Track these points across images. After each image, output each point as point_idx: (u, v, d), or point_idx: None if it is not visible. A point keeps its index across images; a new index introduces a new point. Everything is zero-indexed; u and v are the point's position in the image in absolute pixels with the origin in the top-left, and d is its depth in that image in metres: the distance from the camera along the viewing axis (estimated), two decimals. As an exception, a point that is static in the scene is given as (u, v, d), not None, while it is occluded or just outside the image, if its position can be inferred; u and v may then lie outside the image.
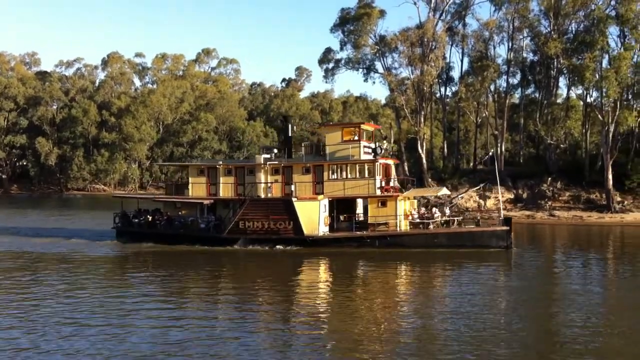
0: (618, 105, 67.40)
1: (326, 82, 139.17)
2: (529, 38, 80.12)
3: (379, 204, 43.34)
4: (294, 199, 42.92)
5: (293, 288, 31.35)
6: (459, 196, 60.21)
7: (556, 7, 73.19)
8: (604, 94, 67.43)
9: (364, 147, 44.74)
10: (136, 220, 47.78)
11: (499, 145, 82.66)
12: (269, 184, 44.76)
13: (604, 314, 25.06)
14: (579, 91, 75.74)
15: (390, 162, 47.75)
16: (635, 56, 68.57)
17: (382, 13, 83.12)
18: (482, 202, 69.86)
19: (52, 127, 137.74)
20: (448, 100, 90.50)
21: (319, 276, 35.76)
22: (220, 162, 47.36)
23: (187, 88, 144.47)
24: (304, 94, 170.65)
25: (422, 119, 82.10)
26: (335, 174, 44.34)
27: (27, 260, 39.19)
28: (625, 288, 30.57)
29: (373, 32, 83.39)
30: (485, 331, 21.93)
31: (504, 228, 41.95)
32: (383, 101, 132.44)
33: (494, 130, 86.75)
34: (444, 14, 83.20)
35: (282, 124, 59.80)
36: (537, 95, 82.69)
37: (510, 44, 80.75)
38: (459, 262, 37.51)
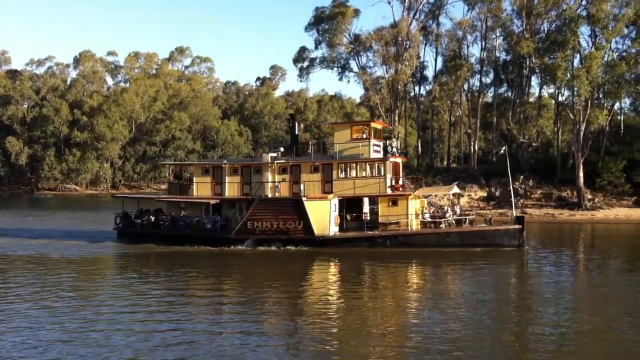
0: (589, 104, 68.32)
1: (301, 81, 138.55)
2: (501, 37, 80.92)
3: (390, 202, 42.50)
4: (304, 199, 41.95)
5: (303, 289, 30.71)
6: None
7: (528, 7, 73.98)
8: (575, 93, 68.27)
9: (373, 145, 43.93)
10: (139, 221, 46.43)
11: (472, 143, 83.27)
12: (277, 183, 43.79)
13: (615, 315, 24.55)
14: (551, 90, 76.78)
15: (399, 160, 46.95)
16: (606, 55, 69.63)
17: (357, 12, 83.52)
18: (455, 200, 70.24)
19: (23, 127, 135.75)
20: (422, 99, 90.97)
21: (330, 277, 35.04)
22: (225, 161, 46.31)
23: (160, 87, 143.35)
24: (278, 93, 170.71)
25: (397, 118, 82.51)
26: (344, 172, 43.51)
27: (26, 263, 37.60)
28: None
29: (347, 31, 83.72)
30: (497, 334, 21.48)
31: (517, 226, 41.33)
32: (358, 100, 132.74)
33: (468, 129, 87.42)
34: (417, 14, 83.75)
35: (288, 122, 59.02)
36: (509, 94, 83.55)
37: (483, 44, 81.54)
38: (472, 262, 37.08)
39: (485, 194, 72.76)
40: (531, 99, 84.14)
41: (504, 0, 77.42)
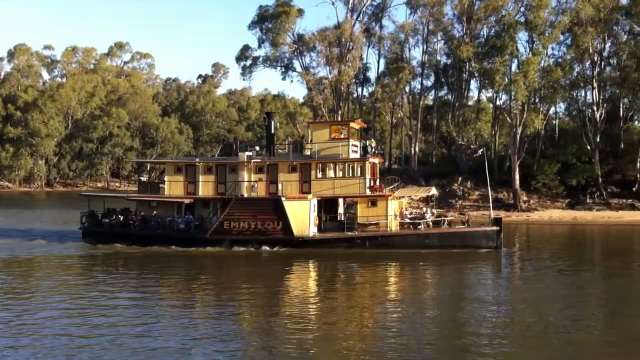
0: (525, 108, 70.24)
1: (244, 79, 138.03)
2: (442, 41, 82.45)
3: (369, 203, 41.84)
4: (283, 199, 40.82)
5: (280, 291, 29.80)
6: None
7: (469, 12, 75.53)
8: (512, 97, 70.12)
9: (352, 145, 43.12)
10: (106, 220, 44.38)
11: (413, 145, 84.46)
12: (254, 183, 42.58)
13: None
14: (489, 94, 78.54)
15: (376, 160, 46.23)
16: (543, 61, 71.71)
17: (301, 12, 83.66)
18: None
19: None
20: (365, 100, 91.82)
21: (308, 279, 34.46)
22: (198, 160, 44.90)
23: (98, 82, 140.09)
24: (220, 91, 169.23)
25: (339, 118, 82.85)
26: (322, 172, 42.63)
27: None
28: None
29: (291, 30, 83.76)
30: (470, 336, 21.33)
31: (494, 228, 41.11)
32: (301, 100, 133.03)
33: (409, 130, 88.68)
34: (361, 15, 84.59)
35: (264, 120, 57.56)
36: (449, 97, 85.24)
37: (424, 47, 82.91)
38: (449, 263, 37.09)
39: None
40: (470, 103, 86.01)
41: (445, 5, 79.00)
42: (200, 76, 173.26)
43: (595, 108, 72.34)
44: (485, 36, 76.24)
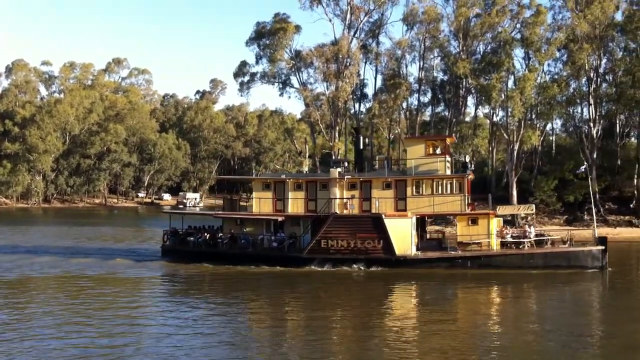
0: (522, 125, 70.36)
1: (241, 95, 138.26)
2: (439, 58, 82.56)
3: (469, 222, 40.24)
4: (383, 216, 39.50)
5: (380, 312, 28.75)
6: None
7: (465, 29, 75.78)
8: (509, 114, 70.25)
9: (447, 161, 41.96)
10: (192, 239, 43.11)
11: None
12: (349, 200, 41.21)
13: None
14: (486, 110, 78.77)
15: (470, 177, 43.99)
16: (539, 78, 71.93)
17: (298, 28, 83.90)
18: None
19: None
20: (362, 116, 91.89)
21: (414, 299, 33.19)
22: (284, 175, 44.19)
23: (96, 98, 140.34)
24: (218, 107, 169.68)
25: (337, 134, 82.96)
26: (417, 189, 41.17)
27: (64, 282, 35.01)
28: None
29: (289, 46, 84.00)
30: None
31: (600, 248, 39.31)
32: (298, 116, 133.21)
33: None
34: (358, 32, 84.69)
35: (352, 137, 56.72)
36: (446, 113, 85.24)
37: (421, 63, 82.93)
38: (556, 285, 35.82)
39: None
40: (467, 119, 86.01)
41: (441, 21, 79.20)
42: (198, 92, 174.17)
43: (591, 124, 72.48)
44: (481, 53, 76.45)
